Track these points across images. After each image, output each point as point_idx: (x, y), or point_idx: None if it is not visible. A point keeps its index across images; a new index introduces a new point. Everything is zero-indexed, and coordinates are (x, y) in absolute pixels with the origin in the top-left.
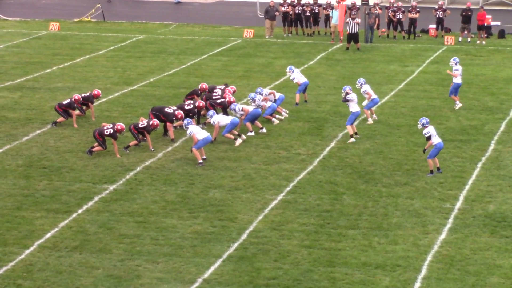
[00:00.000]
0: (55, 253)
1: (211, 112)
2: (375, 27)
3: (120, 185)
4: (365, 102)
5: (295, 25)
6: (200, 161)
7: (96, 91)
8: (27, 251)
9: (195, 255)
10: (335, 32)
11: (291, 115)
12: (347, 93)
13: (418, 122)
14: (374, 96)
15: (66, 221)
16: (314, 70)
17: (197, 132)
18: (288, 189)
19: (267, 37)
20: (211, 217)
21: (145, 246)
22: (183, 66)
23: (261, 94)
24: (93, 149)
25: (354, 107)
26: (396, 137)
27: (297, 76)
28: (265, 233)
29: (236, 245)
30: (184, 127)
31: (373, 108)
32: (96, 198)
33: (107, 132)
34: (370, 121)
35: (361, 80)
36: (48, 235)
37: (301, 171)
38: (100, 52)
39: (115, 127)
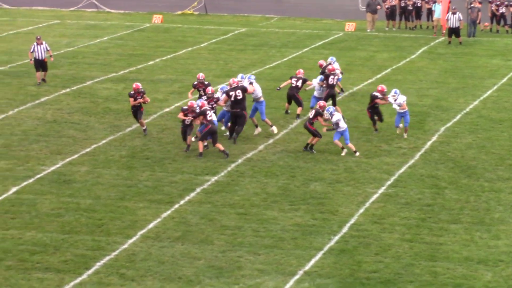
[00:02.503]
0: (158, 243)
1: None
2: (477, 21)
3: (222, 176)
4: (397, 108)
5: (399, 19)
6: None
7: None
8: (130, 241)
9: (296, 247)
10: (437, 26)
11: (392, 110)
12: (331, 114)
13: None
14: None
15: (169, 212)
16: (416, 64)
17: None
18: (389, 182)
19: (368, 30)
20: (312, 209)
21: (246, 237)
22: (285, 59)
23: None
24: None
25: (342, 124)
26: (499, 131)
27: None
28: (366, 226)
29: (337, 238)
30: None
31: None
32: (198, 189)
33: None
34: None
35: (398, 91)
36: (151, 225)
37: (402, 164)
38: (202, 45)
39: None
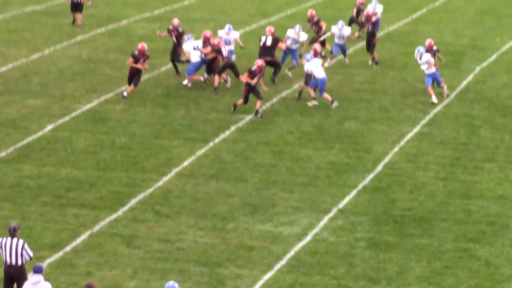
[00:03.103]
0: (192, 180)
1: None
2: None
3: None
4: (427, 70)
5: None
6: None
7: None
8: (165, 178)
9: (330, 185)
10: None
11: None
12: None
13: None
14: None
15: (203, 150)
16: (452, 4)
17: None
18: (424, 121)
19: None
20: (346, 148)
21: (280, 175)
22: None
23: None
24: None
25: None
26: None
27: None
28: (400, 165)
29: (371, 176)
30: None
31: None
32: (232, 128)
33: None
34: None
35: (421, 49)
36: (185, 163)
37: (437, 104)
38: None
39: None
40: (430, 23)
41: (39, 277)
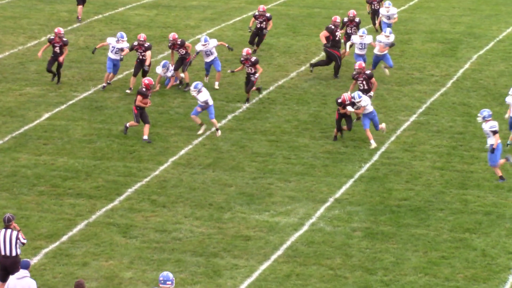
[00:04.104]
0: (189, 169)
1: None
2: None
3: (253, 103)
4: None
5: None
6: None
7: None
8: (162, 168)
9: (326, 175)
10: None
11: (425, 37)
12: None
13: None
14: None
15: (200, 139)
16: None
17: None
18: (420, 110)
19: None
20: (343, 137)
21: (277, 164)
22: None
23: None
24: None
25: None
26: None
27: None
28: (397, 154)
29: (367, 165)
30: None
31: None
32: (229, 117)
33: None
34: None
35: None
36: (182, 152)
37: (434, 92)
38: None
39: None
40: (426, 10)
41: (26, 272)
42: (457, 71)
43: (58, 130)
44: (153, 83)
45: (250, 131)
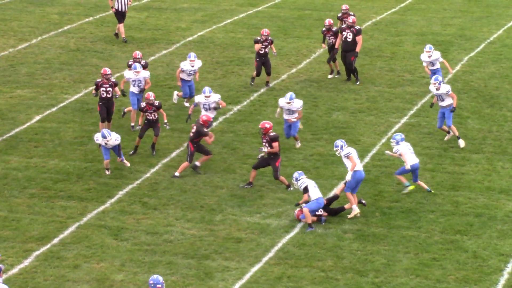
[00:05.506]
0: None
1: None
2: None
3: (244, 106)
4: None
5: None
6: None
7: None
8: (153, 170)
9: (318, 177)
10: None
11: (416, 39)
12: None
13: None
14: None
15: None
16: None
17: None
18: (412, 112)
19: None
20: (334, 139)
21: (268, 167)
22: None
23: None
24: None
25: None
26: None
27: None
28: (388, 156)
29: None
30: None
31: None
32: (220, 119)
33: None
34: None
35: (439, 78)
36: (173, 154)
37: (425, 94)
38: None
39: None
40: (418, 12)
41: None
42: (448, 73)
43: (49, 132)
44: (211, 119)
45: (241, 133)
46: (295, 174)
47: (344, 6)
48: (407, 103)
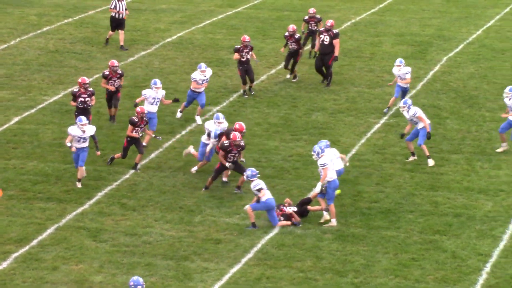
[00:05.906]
0: (159, 173)
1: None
2: None
3: (224, 106)
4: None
5: None
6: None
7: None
8: (132, 171)
9: (297, 177)
10: None
11: (394, 39)
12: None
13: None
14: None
15: (170, 142)
16: None
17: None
18: (391, 112)
19: None
20: (313, 139)
21: (247, 167)
22: None
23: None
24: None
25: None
26: (501, 61)
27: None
28: (367, 157)
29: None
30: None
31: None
32: (199, 120)
33: None
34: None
35: (408, 101)
36: (152, 155)
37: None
38: None
39: None
40: (396, 13)
41: None
42: (427, 74)
43: (28, 134)
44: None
45: None
46: (247, 172)
47: (312, 10)
48: (386, 104)
